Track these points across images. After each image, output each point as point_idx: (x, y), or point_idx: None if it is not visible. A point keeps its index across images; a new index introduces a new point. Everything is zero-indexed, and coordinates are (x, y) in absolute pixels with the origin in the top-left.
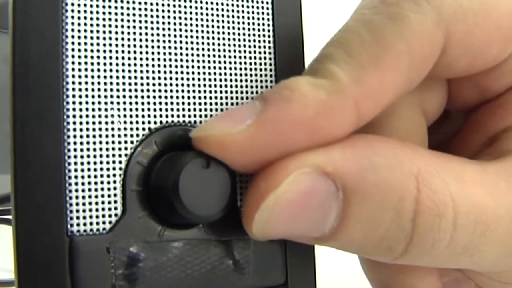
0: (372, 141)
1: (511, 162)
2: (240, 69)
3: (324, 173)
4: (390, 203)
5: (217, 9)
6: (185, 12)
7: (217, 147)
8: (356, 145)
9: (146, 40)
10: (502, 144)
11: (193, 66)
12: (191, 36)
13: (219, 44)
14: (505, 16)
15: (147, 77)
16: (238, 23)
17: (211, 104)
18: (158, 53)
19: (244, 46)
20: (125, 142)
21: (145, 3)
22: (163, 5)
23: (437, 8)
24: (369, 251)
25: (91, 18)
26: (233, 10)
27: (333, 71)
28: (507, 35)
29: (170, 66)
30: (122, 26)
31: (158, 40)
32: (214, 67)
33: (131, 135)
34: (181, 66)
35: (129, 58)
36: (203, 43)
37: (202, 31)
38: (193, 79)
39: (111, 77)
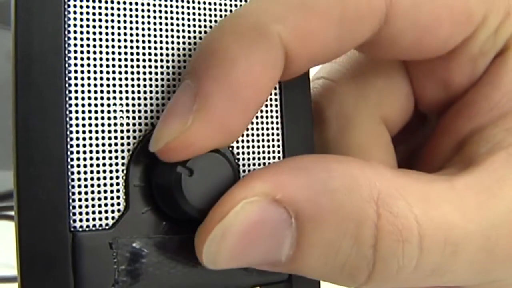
0: (328, 163)
1: (480, 173)
2: None
3: (274, 201)
4: (347, 229)
5: (220, 8)
6: (192, 7)
7: (185, 147)
8: (309, 168)
9: (149, 35)
10: (471, 149)
11: None
12: (195, 31)
13: None
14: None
15: (150, 72)
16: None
17: None
18: (161, 48)
19: None
20: (128, 137)
21: None
22: (166, 1)
23: None
24: (332, 279)
25: (94, 13)
26: (231, 4)
27: (255, 10)
28: (458, 19)
29: (173, 61)
30: (125, 21)
31: (161, 36)
32: None
33: (134, 131)
34: (185, 62)
35: (132, 54)
36: (200, 32)
37: (205, 26)
38: None
39: (114, 72)
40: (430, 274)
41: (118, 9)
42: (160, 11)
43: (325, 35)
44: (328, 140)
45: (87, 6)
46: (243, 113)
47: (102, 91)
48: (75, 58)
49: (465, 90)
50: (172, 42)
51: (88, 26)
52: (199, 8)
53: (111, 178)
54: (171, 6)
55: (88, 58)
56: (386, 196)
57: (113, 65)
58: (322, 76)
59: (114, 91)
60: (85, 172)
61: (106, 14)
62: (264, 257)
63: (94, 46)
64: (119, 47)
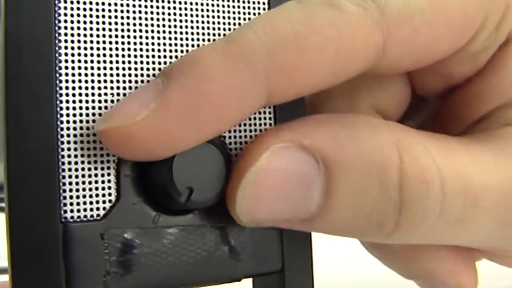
0: (347, 116)
1: (495, 141)
2: None
3: (302, 147)
4: (373, 174)
5: (214, 15)
6: (184, 2)
7: (123, 140)
8: (332, 120)
9: (141, 24)
10: (482, 127)
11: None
12: (187, 27)
13: (216, 35)
14: (457, 12)
15: (141, 62)
16: (234, 18)
17: None
18: (153, 37)
19: None
20: None
21: None
22: None
23: (381, 6)
24: (360, 229)
25: (84, 2)
26: (230, 18)
27: (248, 39)
28: (459, 29)
29: (165, 50)
30: (116, 11)
31: (152, 25)
32: None
33: None
34: (176, 51)
35: (123, 43)
36: (198, 33)
37: (197, 21)
38: None
39: (104, 61)
40: (454, 223)
41: None
42: (152, 1)
43: (316, 72)
44: None
45: None
46: (196, 133)
47: (93, 81)
48: (66, 47)
49: (468, 78)
50: (164, 32)
51: (78, 15)
52: (192, 9)
53: (102, 168)
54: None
55: (79, 48)
56: (406, 142)
57: (104, 55)
58: None
59: (105, 80)
60: (76, 163)
61: (97, 3)
62: (296, 206)
63: (85, 35)
64: (110, 36)
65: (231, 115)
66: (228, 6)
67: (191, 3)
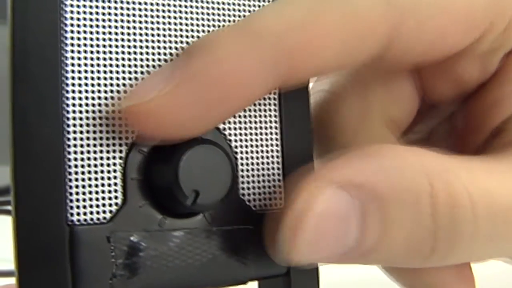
0: (376, 148)
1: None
2: None
3: (341, 186)
4: (405, 203)
5: (218, 7)
6: (188, 6)
7: (141, 118)
8: (364, 154)
9: (146, 28)
10: (501, 138)
11: None
12: (193, 27)
13: (219, 27)
14: (463, 9)
15: (147, 65)
16: (240, 10)
17: None
18: (159, 41)
19: None
20: (126, 130)
21: None
22: None
23: None
24: (398, 256)
25: (90, 6)
26: (233, 9)
27: (259, 24)
28: (463, 28)
29: (171, 54)
30: (122, 14)
31: (159, 29)
32: None
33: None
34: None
35: (129, 47)
36: (204, 31)
37: (203, 24)
38: None
39: (111, 65)
40: (487, 241)
41: (115, 1)
42: (157, 4)
43: (323, 56)
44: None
45: None
46: (207, 112)
47: (99, 84)
48: (72, 51)
49: (478, 84)
50: (170, 35)
51: (84, 19)
52: (197, 9)
53: (109, 171)
54: (169, 1)
55: (85, 51)
56: (435, 168)
57: (110, 58)
58: (323, 89)
59: (111, 84)
60: (83, 166)
61: (103, 7)
62: (336, 243)
63: (91, 38)
64: (116, 40)
65: (241, 95)
66: (234, 5)
67: (197, 6)
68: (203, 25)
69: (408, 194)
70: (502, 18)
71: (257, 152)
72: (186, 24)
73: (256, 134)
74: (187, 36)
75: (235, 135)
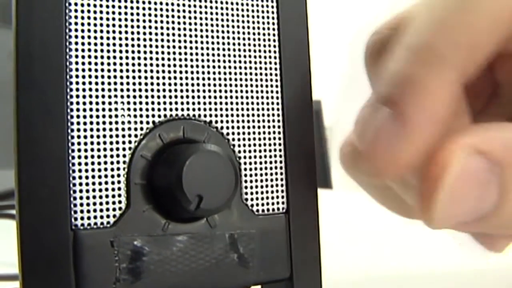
0: (501, 124)
1: None
2: (245, 62)
3: (480, 152)
4: None
5: (222, 6)
6: (193, 6)
7: (393, 166)
8: (494, 127)
9: (150, 33)
10: None
11: (197, 60)
12: (196, 30)
13: (223, 38)
14: None
15: (151, 70)
16: (243, 17)
17: (215, 97)
18: (162, 46)
19: (249, 39)
20: (129, 135)
21: None
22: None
23: None
24: None
25: (95, 11)
26: (237, 9)
27: (419, 43)
28: None
29: (174, 59)
30: (126, 19)
31: (162, 34)
32: (219, 61)
33: (135, 129)
34: (185, 60)
35: (133, 52)
36: (207, 36)
37: (207, 25)
38: (197, 72)
39: (115, 70)
40: None
41: (120, 7)
42: (161, 9)
43: (486, 49)
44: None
45: (88, 4)
46: (439, 131)
47: (103, 89)
48: (76, 55)
49: None
50: (174, 41)
51: (89, 24)
52: (201, 7)
53: (112, 176)
54: (173, 4)
55: (89, 56)
56: None
57: (114, 63)
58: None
59: (115, 89)
60: (86, 170)
61: (107, 12)
62: (475, 206)
63: (95, 44)
64: (120, 45)
65: (446, 111)
66: (236, 4)
67: (200, 6)
68: (207, 19)
69: None
70: None
71: (260, 157)
72: (190, 30)
73: (259, 139)
74: (190, 41)
75: (239, 139)
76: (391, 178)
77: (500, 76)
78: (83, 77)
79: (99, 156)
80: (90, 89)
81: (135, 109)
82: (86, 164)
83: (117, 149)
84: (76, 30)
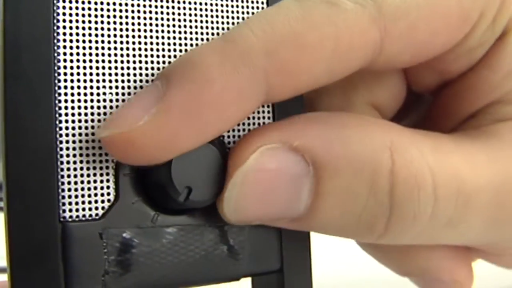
0: (339, 116)
1: (487, 137)
2: None
3: (292, 148)
4: (363, 176)
5: (215, 14)
6: (183, 1)
7: (125, 146)
8: (323, 119)
9: (139, 24)
10: (474, 123)
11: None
12: (186, 26)
13: (213, 34)
14: (453, 6)
15: (140, 62)
16: (233, 17)
17: None
18: (151, 37)
19: None
20: None
21: None
22: None
23: (378, 3)
24: (350, 230)
25: (83, 2)
26: (228, 5)
27: (246, 38)
28: (455, 25)
29: (163, 50)
30: (115, 10)
31: (151, 24)
32: None
33: None
34: (175, 50)
35: (121, 42)
36: (202, 33)
37: (196, 21)
38: None
39: (103, 61)
40: (445, 224)
41: None
42: (150, 1)
43: (314, 69)
44: None
45: None
46: (198, 134)
47: (91, 80)
48: (64, 46)
49: (464, 74)
50: (163, 31)
51: (77, 14)
52: (191, 8)
53: (101, 167)
54: None
55: (78, 47)
56: (399, 144)
57: (103, 54)
58: None
59: (104, 80)
60: (75, 162)
61: (96, 2)
62: (284, 207)
63: (84, 34)
64: (109, 36)
65: (232, 115)
66: (227, 5)
67: (189, 2)
68: (197, 32)
69: (367, 167)
70: (492, 7)
71: None
72: (185, 32)
73: (249, 129)
74: (185, 44)
75: (228, 131)
76: (122, 157)
77: (418, 88)
78: (71, 68)
79: (87, 148)
80: (79, 80)
81: (124, 100)
82: (75, 155)
83: None
84: (64, 21)
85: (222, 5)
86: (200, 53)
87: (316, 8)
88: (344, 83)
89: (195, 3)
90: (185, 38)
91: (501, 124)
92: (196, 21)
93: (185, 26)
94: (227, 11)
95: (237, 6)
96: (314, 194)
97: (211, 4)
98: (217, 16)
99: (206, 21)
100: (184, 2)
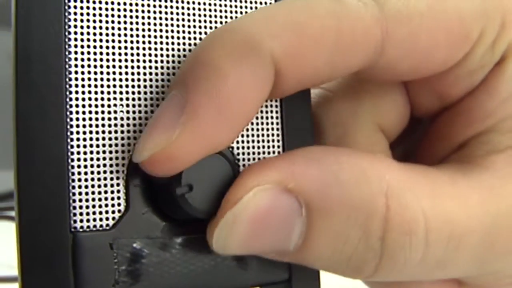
0: (338, 156)
1: (481, 173)
2: None
3: (286, 190)
4: (356, 221)
5: (221, 9)
6: (193, 9)
7: (166, 161)
8: (321, 160)
9: (149, 35)
10: (468, 151)
11: None
12: (196, 33)
13: None
14: (455, 21)
15: (151, 73)
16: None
17: None
18: (162, 48)
19: None
20: (129, 137)
21: None
22: (167, 2)
23: (381, 4)
24: (339, 269)
25: (94, 14)
26: (231, 11)
27: (250, 26)
28: (455, 40)
29: (174, 61)
30: (125, 22)
31: (161, 36)
32: None
33: (135, 131)
34: (185, 57)
35: (132, 54)
36: (206, 33)
37: (205, 20)
38: None
39: (114, 73)
40: (434, 266)
41: (119, 9)
42: (160, 12)
43: (317, 58)
44: (329, 144)
45: (88, 7)
46: (231, 127)
47: (102, 91)
48: (76, 58)
49: (462, 98)
50: (173, 43)
51: (88, 27)
52: (200, 9)
53: (112, 178)
54: (172, 7)
55: (89, 59)
56: (396, 188)
57: (114, 66)
58: (319, 86)
59: (115, 91)
60: (86, 173)
61: (107, 15)
62: (273, 244)
63: (95, 46)
64: (120, 47)
65: (253, 100)
66: (238, 6)
67: (199, 3)
68: (206, 33)
69: (360, 212)
70: (492, 29)
71: (259, 159)
72: (194, 32)
73: (258, 141)
74: (190, 45)
75: (237, 142)
76: (166, 172)
77: (418, 112)
78: (83, 79)
79: (98, 159)
80: (90, 92)
81: (134, 111)
82: (86, 166)
83: (117, 151)
84: (75, 33)
85: (231, 6)
86: (204, 49)
87: (320, 2)
88: (351, 99)
89: (204, 2)
90: (195, 39)
91: (494, 156)
92: (205, 21)
93: (194, 26)
94: (236, 7)
95: (248, 8)
96: (306, 235)
97: (221, 2)
98: (225, 17)
99: (216, 21)
100: (193, 3)
